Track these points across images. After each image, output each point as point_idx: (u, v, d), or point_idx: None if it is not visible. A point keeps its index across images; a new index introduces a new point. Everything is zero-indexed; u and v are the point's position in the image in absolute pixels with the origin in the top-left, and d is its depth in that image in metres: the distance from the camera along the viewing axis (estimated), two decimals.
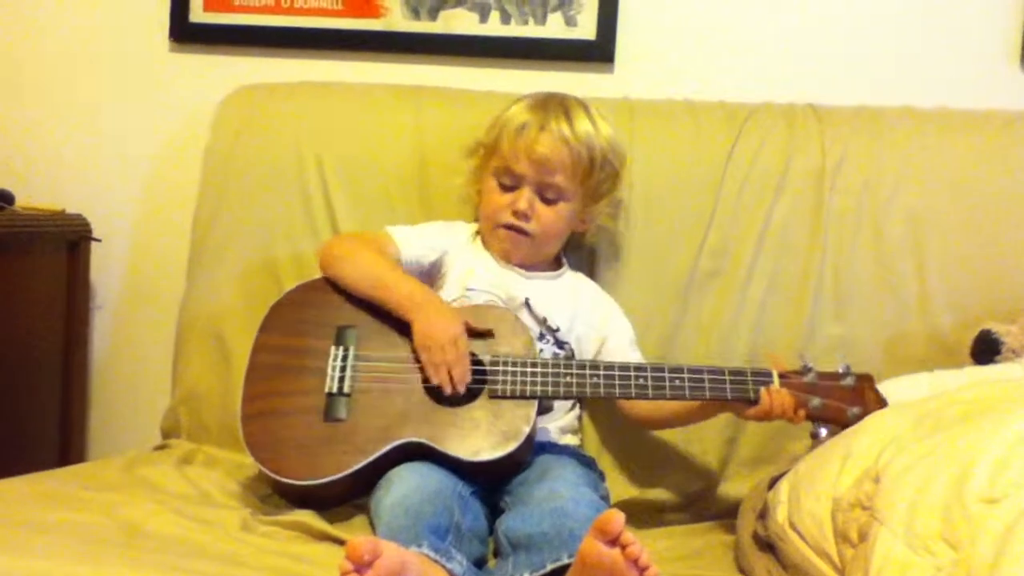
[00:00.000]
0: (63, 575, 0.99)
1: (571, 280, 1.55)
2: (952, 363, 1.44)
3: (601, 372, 1.33)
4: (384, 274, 1.41)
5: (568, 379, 1.32)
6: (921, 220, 1.57)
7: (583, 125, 1.47)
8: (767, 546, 1.19)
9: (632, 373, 1.32)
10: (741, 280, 1.57)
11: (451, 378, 1.31)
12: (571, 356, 1.45)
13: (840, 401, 1.28)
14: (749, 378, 1.30)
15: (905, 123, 1.62)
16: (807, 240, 1.58)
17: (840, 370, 1.31)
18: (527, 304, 1.45)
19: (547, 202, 1.46)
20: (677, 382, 1.31)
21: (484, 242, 1.53)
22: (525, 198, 1.45)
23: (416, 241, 1.50)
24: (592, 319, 1.50)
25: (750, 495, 1.34)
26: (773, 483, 1.26)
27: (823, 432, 1.27)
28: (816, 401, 1.28)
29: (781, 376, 1.30)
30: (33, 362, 1.80)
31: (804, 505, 1.12)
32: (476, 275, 1.47)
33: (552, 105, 1.48)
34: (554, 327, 1.45)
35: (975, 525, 0.86)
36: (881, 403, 1.28)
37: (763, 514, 1.22)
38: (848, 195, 1.58)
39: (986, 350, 1.40)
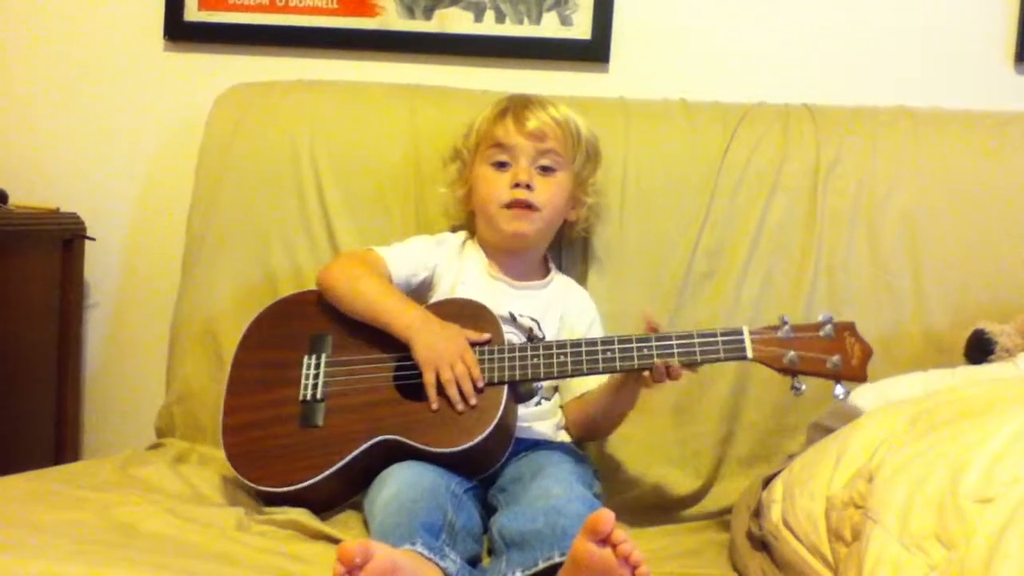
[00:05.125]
0: (57, 575, 0.99)
1: (560, 287, 1.54)
2: (946, 362, 1.44)
3: (568, 350, 1.32)
4: (383, 302, 1.39)
5: (535, 360, 1.32)
6: (915, 220, 1.57)
7: (562, 108, 1.51)
8: (761, 545, 1.19)
9: (599, 347, 1.31)
10: (736, 280, 1.57)
11: (461, 394, 1.30)
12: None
13: (818, 352, 1.25)
14: (719, 339, 1.28)
15: (900, 123, 1.63)
16: (802, 240, 1.58)
17: (820, 319, 1.28)
18: (511, 316, 1.44)
19: (545, 172, 1.47)
20: (645, 350, 1.29)
21: (473, 251, 1.53)
22: (524, 170, 1.45)
23: (406, 261, 1.49)
24: (577, 325, 1.49)
25: (744, 494, 1.34)
26: (767, 482, 1.26)
27: (803, 387, 1.25)
28: (791, 354, 1.25)
29: (752, 332, 1.27)
30: (27, 361, 1.80)
31: (798, 504, 1.12)
32: (463, 288, 1.46)
33: (524, 96, 1.53)
34: (540, 335, 1.45)
35: (968, 524, 0.87)
36: (865, 349, 1.26)
37: (757, 513, 1.22)
38: (843, 195, 1.59)
39: (979, 350, 1.41)
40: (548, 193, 1.46)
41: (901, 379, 1.38)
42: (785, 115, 1.65)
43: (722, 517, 1.44)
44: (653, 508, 1.51)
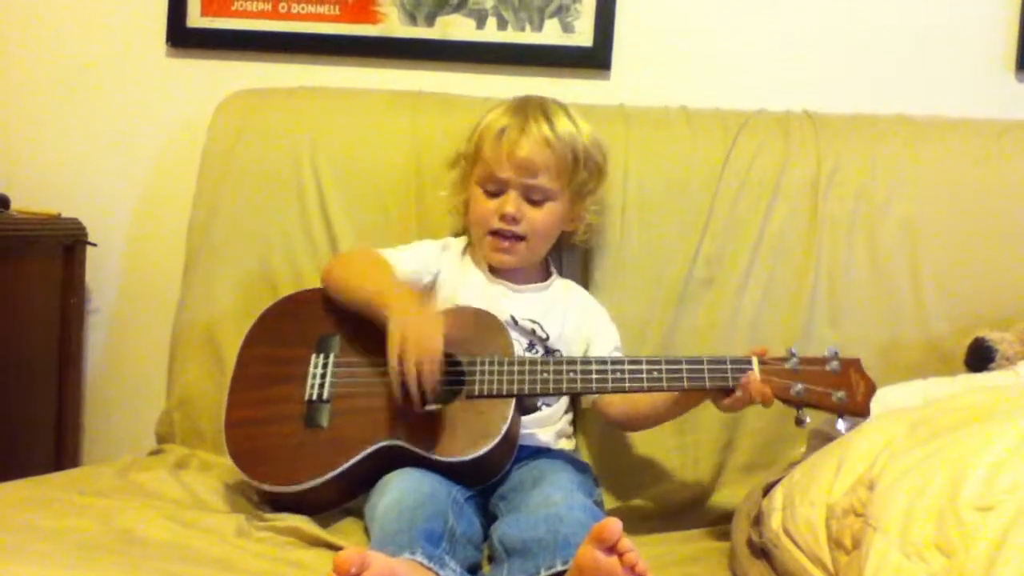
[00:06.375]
0: None
1: (560, 289, 1.54)
2: (946, 370, 1.44)
3: (578, 367, 1.32)
4: (373, 284, 1.39)
5: (545, 375, 1.32)
6: (916, 228, 1.57)
7: (563, 125, 1.47)
8: (762, 553, 1.19)
9: (609, 367, 1.31)
10: (736, 287, 1.58)
11: (420, 391, 1.28)
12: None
13: (824, 386, 1.26)
14: (728, 366, 1.28)
15: (900, 131, 1.63)
16: (802, 247, 1.58)
17: (826, 354, 1.29)
18: (513, 320, 1.44)
19: (534, 203, 1.46)
20: (655, 373, 1.29)
21: (474, 255, 1.53)
22: (511, 202, 1.44)
23: (409, 264, 1.49)
24: (580, 325, 1.49)
25: (745, 501, 1.34)
26: (768, 489, 1.26)
27: (808, 419, 1.26)
28: (799, 387, 1.26)
29: (761, 363, 1.28)
30: (28, 366, 1.79)
31: (798, 511, 1.12)
32: (464, 293, 1.47)
33: (531, 107, 1.49)
34: (543, 336, 1.45)
35: (968, 532, 0.86)
36: (869, 385, 1.27)
37: (758, 520, 1.22)
38: (843, 202, 1.59)
39: (980, 358, 1.41)
40: (535, 223, 1.46)
41: (901, 387, 1.38)
42: (786, 122, 1.65)
43: (722, 525, 1.43)
44: (653, 515, 1.51)
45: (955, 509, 0.89)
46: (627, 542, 0.98)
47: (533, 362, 1.34)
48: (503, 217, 1.45)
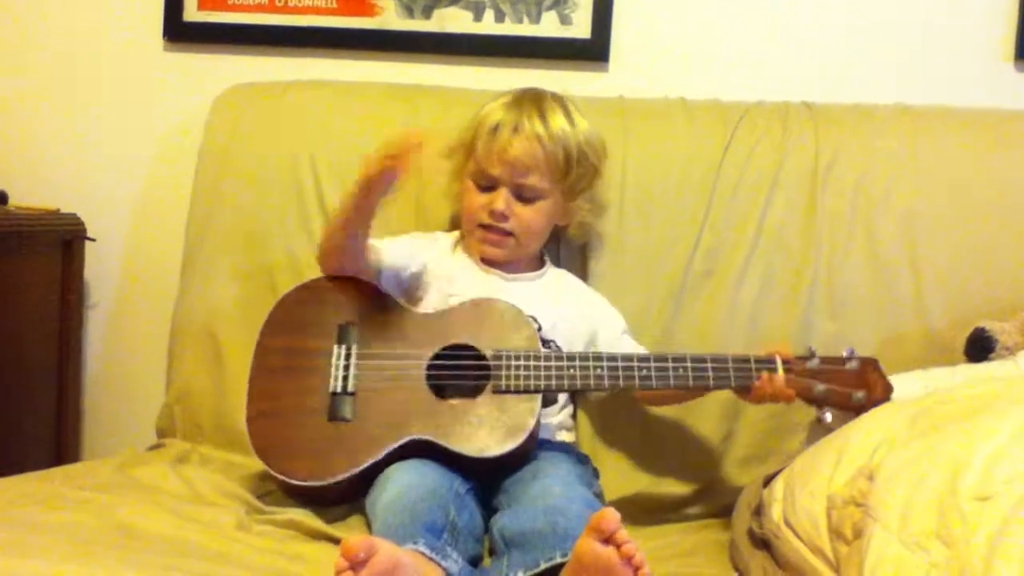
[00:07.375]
0: (57, 575, 0.99)
1: (554, 279, 1.55)
2: (946, 361, 1.44)
3: (605, 364, 1.33)
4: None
5: (572, 371, 1.32)
6: (915, 218, 1.57)
7: (558, 123, 1.46)
8: (762, 543, 1.19)
9: (635, 364, 1.33)
10: (735, 280, 1.57)
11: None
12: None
13: (844, 385, 1.29)
14: (752, 365, 1.31)
15: (899, 121, 1.63)
16: (801, 239, 1.58)
17: (844, 354, 1.32)
18: None
19: (524, 201, 1.46)
20: (681, 371, 1.32)
21: (466, 247, 1.53)
22: (502, 198, 1.45)
23: (397, 250, 1.49)
24: (576, 317, 1.49)
25: (745, 493, 1.34)
26: (768, 481, 1.26)
27: (828, 417, 1.29)
28: (820, 387, 1.29)
29: (785, 362, 1.31)
30: (27, 362, 1.79)
31: (799, 502, 1.12)
32: (456, 282, 1.47)
33: (526, 103, 1.48)
34: (536, 327, 1.45)
35: (968, 522, 0.87)
36: (887, 386, 1.30)
37: (758, 511, 1.22)
38: (842, 194, 1.59)
39: (980, 348, 1.41)
40: (525, 221, 1.47)
41: (901, 378, 1.38)
42: (784, 113, 1.65)
43: (723, 516, 1.43)
44: (654, 507, 1.51)
45: (955, 500, 0.90)
46: (624, 533, 0.98)
47: (560, 357, 1.34)
48: (492, 214, 1.46)
